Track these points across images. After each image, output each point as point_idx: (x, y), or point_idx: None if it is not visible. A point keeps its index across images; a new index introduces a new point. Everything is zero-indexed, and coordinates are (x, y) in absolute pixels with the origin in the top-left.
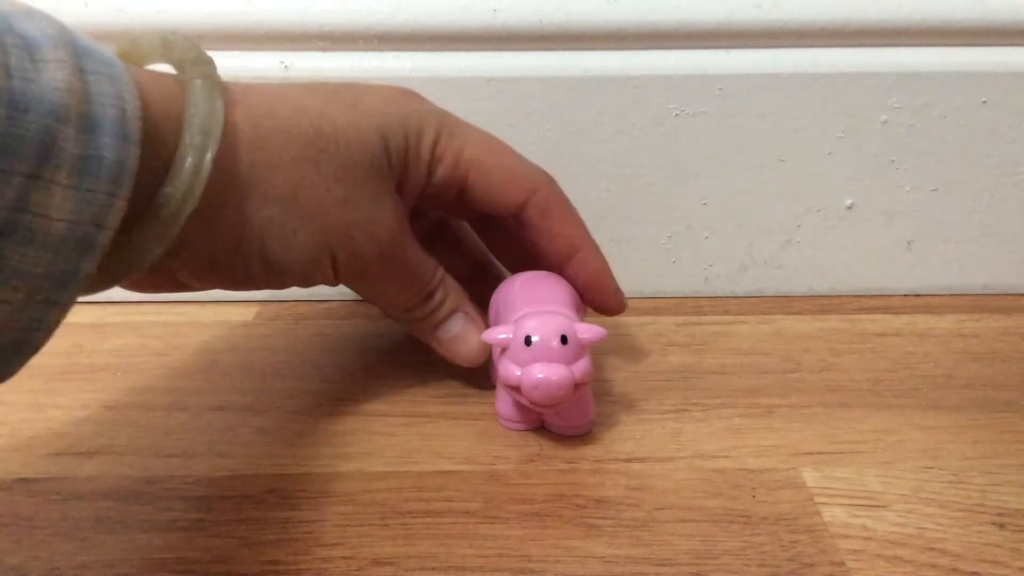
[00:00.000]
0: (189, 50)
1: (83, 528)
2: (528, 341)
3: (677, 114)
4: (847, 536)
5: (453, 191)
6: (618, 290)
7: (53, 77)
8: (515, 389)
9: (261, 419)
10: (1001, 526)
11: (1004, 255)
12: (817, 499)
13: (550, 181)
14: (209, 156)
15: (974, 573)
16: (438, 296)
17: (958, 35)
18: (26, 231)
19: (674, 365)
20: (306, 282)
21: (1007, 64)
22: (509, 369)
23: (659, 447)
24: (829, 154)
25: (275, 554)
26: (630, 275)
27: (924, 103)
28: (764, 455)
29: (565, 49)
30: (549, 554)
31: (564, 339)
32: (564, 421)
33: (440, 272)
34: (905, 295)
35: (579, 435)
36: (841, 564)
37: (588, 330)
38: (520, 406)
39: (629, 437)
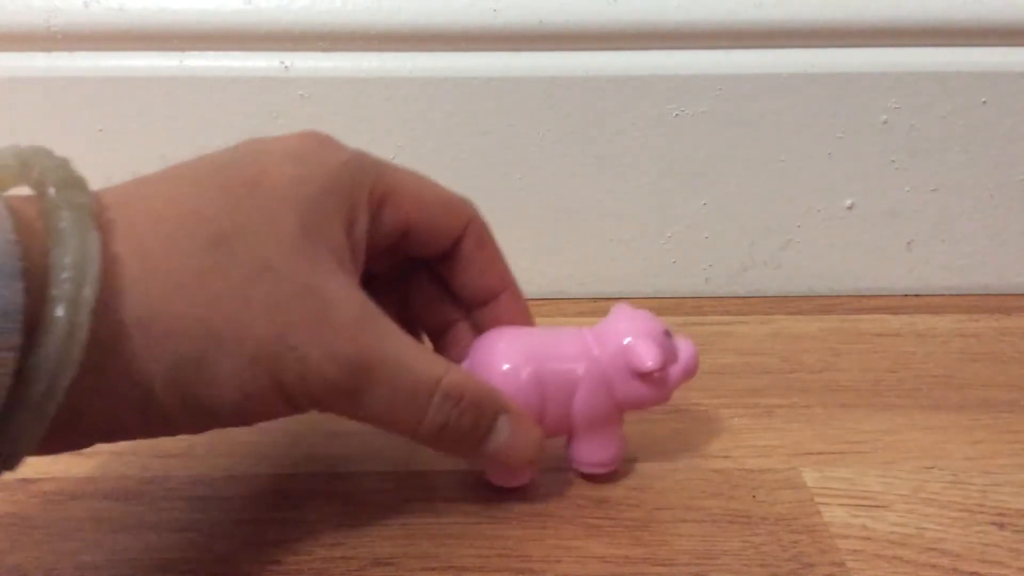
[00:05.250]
0: (52, 170)
1: (83, 528)
2: (669, 334)
3: (677, 114)
4: (847, 536)
5: (394, 237)
6: None
7: None
8: (659, 375)
9: None
10: (1001, 526)
11: (1004, 255)
12: (817, 499)
13: (476, 206)
14: (87, 307)
15: (974, 573)
16: (452, 401)
17: (958, 35)
18: None
19: None
20: (248, 420)
21: (1007, 64)
22: (654, 355)
23: (659, 447)
24: (829, 154)
25: (275, 554)
26: (630, 275)
27: (924, 103)
28: (764, 455)
29: (565, 49)
30: (549, 554)
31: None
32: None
33: (443, 364)
34: (905, 295)
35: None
36: (841, 564)
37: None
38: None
39: (629, 437)
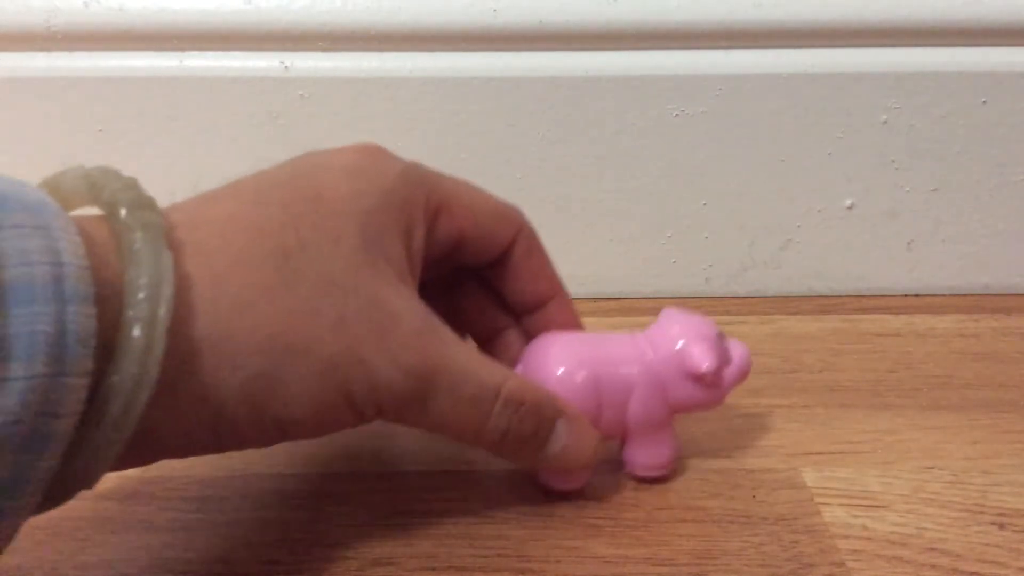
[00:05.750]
0: (122, 190)
1: (83, 528)
2: (722, 337)
3: (677, 114)
4: (847, 536)
5: (448, 246)
6: None
7: None
8: (713, 378)
9: None
10: (1001, 526)
11: (1004, 255)
12: (817, 499)
13: (523, 213)
14: (162, 327)
15: (974, 573)
16: (512, 407)
17: (958, 35)
18: None
19: None
20: (317, 432)
21: (1007, 64)
22: (710, 357)
23: None
24: (829, 154)
25: (275, 554)
26: (630, 275)
27: (924, 103)
28: (764, 455)
29: (565, 49)
30: (549, 554)
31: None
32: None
33: (503, 371)
34: (905, 295)
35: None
36: (841, 564)
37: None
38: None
39: None
